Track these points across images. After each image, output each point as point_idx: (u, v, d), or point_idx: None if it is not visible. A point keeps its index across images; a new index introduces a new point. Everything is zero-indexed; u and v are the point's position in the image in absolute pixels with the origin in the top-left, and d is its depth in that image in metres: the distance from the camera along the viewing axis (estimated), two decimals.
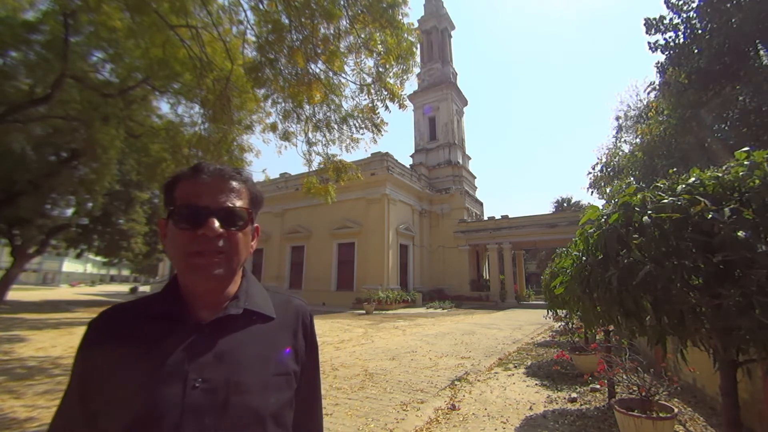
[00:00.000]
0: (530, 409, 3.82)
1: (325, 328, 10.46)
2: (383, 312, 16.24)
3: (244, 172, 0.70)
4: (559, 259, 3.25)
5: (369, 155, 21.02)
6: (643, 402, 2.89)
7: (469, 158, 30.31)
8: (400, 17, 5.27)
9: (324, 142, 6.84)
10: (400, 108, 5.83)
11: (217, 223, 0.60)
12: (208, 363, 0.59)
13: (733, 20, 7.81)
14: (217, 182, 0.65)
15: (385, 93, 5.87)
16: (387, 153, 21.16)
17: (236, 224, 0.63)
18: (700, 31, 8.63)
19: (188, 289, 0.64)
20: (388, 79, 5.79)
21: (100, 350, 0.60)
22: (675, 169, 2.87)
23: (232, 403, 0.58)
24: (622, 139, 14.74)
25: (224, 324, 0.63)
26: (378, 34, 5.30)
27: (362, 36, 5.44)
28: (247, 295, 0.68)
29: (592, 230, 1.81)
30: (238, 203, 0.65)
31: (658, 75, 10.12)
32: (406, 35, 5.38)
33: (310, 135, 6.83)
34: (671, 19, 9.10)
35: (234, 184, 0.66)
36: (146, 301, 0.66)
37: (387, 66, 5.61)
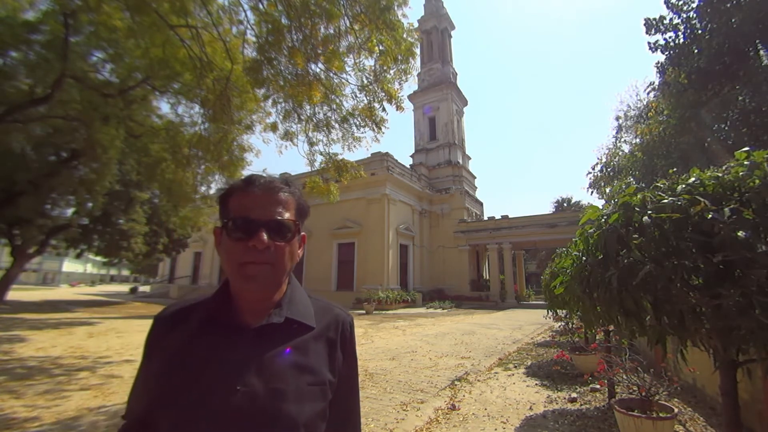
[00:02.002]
0: (530, 409, 3.82)
1: None
2: (383, 312, 16.24)
3: (292, 184, 0.74)
4: (559, 259, 3.25)
5: (369, 155, 21.01)
6: (643, 402, 2.89)
7: (469, 158, 30.32)
8: (400, 17, 5.27)
9: (325, 142, 6.85)
10: (397, 110, 5.83)
11: (265, 235, 0.64)
12: (249, 369, 0.62)
13: (733, 20, 7.81)
14: (267, 195, 0.68)
15: (383, 95, 5.88)
16: (387, 153, 21.17)
17: (284, 235, 0.67)
18: (699, 31, 8.63)
19: (238, 295, 0.67)
20: (386, 81, 5.79)
21: (163, 342, 0.67)
22: (675, 169, 2.87)
23: (270, 410, 0.60)
24: (622, 139, 14.74)
25: (267, 331, 0.66)
26: (376, 36, 5.30)
27: (361, 37, 5.44)
28: (290, 303, 0.71)
29: (592, 230, 1.81)
30: (286, 215, 0.68)
31: (658, 75, 10.12)
32: (405, 35, 5.38)
33: (310, 135, 6.84)
34: (671, 20, 9.10)
35: (282, 196, 0.69)
36: (197, 304, 0.70)
37: (385, 67, 5.61)
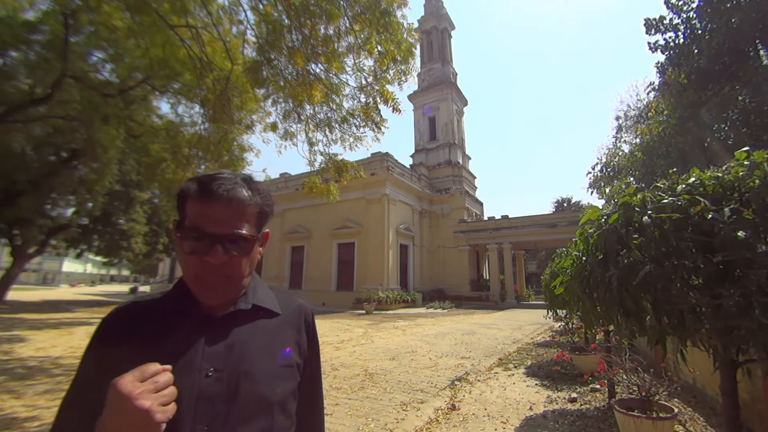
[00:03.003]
0: (530, 409, 3.82)
1: (325, 328, 10.45)
2: (383, 312, 16.24)
3: (255, 186, 0.69)
4: (559, 259, 3.25)
5: (369, 155, 21.00)
6: (643, 402, 2.89)
7: (469, 158, 30.32)
8: (399, 18, 5.27)
9: (325, 142, 6.85)
10: (394, 111, 5.82)
11: (221, 251, 0.62)
12: (219, 353, 0.62)
13: (733, 20, 7.81)
14: (224, 208, 0.63)
15: (380, 99, 5.88)
16: (387, 153, 21.16)
17: (241, 249, 0.64)
18: (699, 32, 8.63)
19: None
20: (385, 83, 5.79)
21: (113, 345, 0.62)
22: (675, 169, 2.87)
23: (242, 391, 0.61)
24: (622, 139, 14.74)
25: (234, 318, 0.67)
26: (375, 38, 5.30)
27: (361, 37, 5.44)
28: (255, 292, 0.72)
29: (592, 230, 1.81)
30: (245, 228, 0.65)
31: (658, 75, 10.12)
32: (405, 35, 5.37)
33: (310, 135, 6.83)
34: (671, 20, 9.10)
35: (241, 206, 0.65)
36: (158, 297, 0.69)
37: (383, 68, 5.61)
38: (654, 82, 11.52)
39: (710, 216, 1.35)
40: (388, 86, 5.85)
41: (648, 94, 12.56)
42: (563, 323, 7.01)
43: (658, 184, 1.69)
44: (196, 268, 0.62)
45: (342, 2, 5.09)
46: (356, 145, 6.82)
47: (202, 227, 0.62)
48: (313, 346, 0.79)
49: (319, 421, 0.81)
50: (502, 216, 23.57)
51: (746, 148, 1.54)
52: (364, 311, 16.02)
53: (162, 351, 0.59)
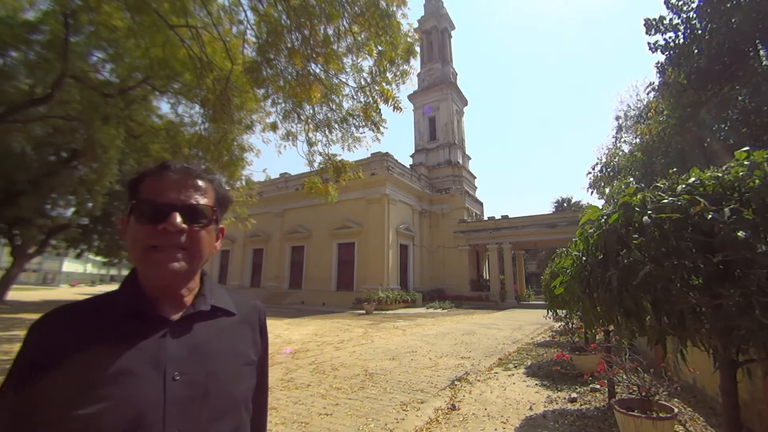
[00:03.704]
0: (530, 409, 3.82)
1: (325, 328, 10.45)
2: (383, 312, 16.23)
3: (213, 173, 0.71)
4: (559, 259, 3.25)
5: (369, 155, 21.03)
6: (643, 402, 2.89)
7: (469, 158, 30.33)
8: (399, 18, 5.27)
9: (325, 142, 6.85)
10: (395, 110, 5.83)
11: (179, 218, 0.61)
12: (183, 356, 0.61)
13: (733, 20, 7.82)
14: (182, 179, 0.65)
15: (380, 99, 5.89)
16: (387, 153, 21.17)
17: (199, 221, 0.64)
18: (699, 32, 8.64)
19: (150, 285, 0.64)
20: (384, 83, 5.79)
21: (55, 358, 0.55)
22: (675, 169, 2.87)
23: (212, 392, 0.61)
24: (622, 139, 14.76)
25: (195, 319, 0.66)
26: (375, 39, 5.30)
27: (361, 38, 5.44)
28: (212, 293, 0.71)
29: (592, 230, 1.81)
30: (203, 201, 0.66)
31: (658, 75, 10.13)
32: (404, 38, 5.38)
33: (310, 135, 6.84)
34: (671, 20, 9.11)
35: (200, 182, 0.67)
36: (103, 299, 0.64)
37: (382, 69, 5.61)
38: (654, 82, 11.54)
39: (710, 216, 1.35)
40: (387, 86, 5.85)
41: (648, 94, 12.57)
42: (563, 323, 7.01)
43: (658, 184, 1.69)
44: (149, 239, 0.60)
45: (341, 2, 5.09)
46: (355, 146, 6.84)
47: (160, 197, 0.62)
48: (265, 345, 0.80)
49: (265, 415, 0.84)
50: (502, 216, 23.57)
51: (746, 148, 1.54)
52: (364, 311, 16.02)
53: (121, 359, 0.56)
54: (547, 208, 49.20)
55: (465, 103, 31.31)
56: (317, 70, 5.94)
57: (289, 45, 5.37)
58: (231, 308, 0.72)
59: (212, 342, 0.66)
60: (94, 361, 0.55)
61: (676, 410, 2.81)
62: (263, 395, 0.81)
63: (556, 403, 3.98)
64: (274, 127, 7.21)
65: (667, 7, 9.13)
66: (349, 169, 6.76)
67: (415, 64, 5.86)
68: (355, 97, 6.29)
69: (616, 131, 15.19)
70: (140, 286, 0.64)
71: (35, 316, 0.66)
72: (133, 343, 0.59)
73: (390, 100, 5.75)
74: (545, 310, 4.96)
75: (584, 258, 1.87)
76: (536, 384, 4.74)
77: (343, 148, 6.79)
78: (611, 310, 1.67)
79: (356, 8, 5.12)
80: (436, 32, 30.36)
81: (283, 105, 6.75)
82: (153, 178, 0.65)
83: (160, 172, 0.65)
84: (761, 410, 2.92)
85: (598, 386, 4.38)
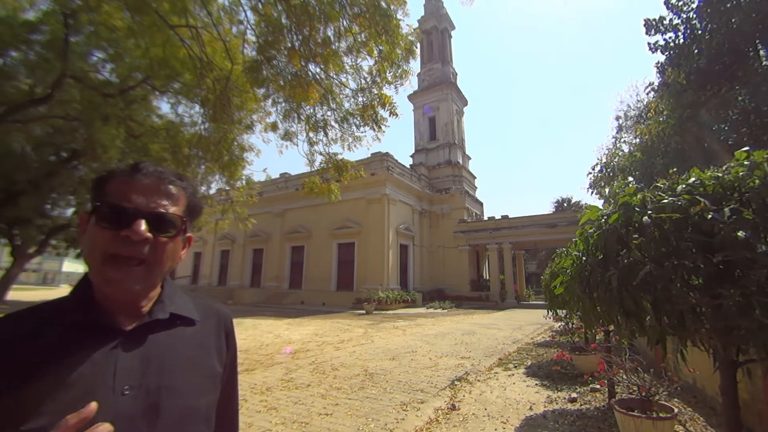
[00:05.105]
0: (530, 409, 3.82)
1: (325, 328, 10.45)
2: (383, 312, 16.23)
3: (187, 179, 0.67)
4: (559, 259, 3.25)
5: (369, 155, 21.03)
6: (643, 402, 2.90)
7: (469, 158, 30.33)
8: (399, 18, 5.27)
9: (325, 142, 6.85)
10: (391, 115, 5.84)
11: (144, 226, 0.57)
12: (134, 369, 0.57)
13: (733, 20, 7.82)
14: (153, 184, 0.61)
15: (377, 103, 5.90)
16: (387, 153, 21.17)
17: (166, 231, 0.60)
18: (699, 32, 8.64)
19: (103, 297, 0.59)
20: (384, 83, 5.80)
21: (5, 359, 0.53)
22: (675, 169, 2.87)
23: (164, 407, 0.57)
24: (622, 140, 14.78)
25: (151, 328, 0.61)
26: (375, 40, 5.31)
27: (360, 38, 5.45)
28: (172, 299, 0.66)
29: (592, 230, 1.81)
30: (173, 209, 0.62)
31: (658, 75, 10.14)
32: (404, 37, 5.38)
33: (310, 134, 6.83)
34: (671, 20, 9.12)
35: (172, 189, 0.63)
36: (52, 306, 0.60)
37: (382, 70, 5.62)
38: (654, 83, 11.56)
39: (710, 216, 1.35)
40: (387, 87, 5.86)
41: (648, 94, 12.58)
42: (563, 323, 7.02)
43: (658, 184, 1.69)
44: (108, 245, 0.56)
45: (341, 3, 5.09)
46: (356, 145, 6.82)
47: (126, 201, 0.58)
48: (232, 351, 0.75)
49: (235, 428, 0.78)
50: (502, 216, 23.57)
51: (746, 148, 1.54)
52: (364, 311, 16.01)
53: (67, 372, 0.52)
54: (547, 208, 49.23)
55: (465, 103, 31.31)
56: (317, 70, 5.95)
57: (289, 45, 5.37)
58: (192, 315, 0.67)
59: (169, 353, 0.61)
60: (38, 375, 0.52)
61: (676, 410, 2.81)
62: (232, 407, 0.76)
63: (556, 403, 3.98)
64: (274, 127, 7.21)
65: (667, 8, 9.14)
66: (351, 168, 6.76)
67: (415, 64, 5.87)
68: (355, 97, 6.30)
69: (616, 131, 15.24)
70: (93, 293, 0.60)
71: None
72: (82, 355, 0.54)
73: (387, 105, 5.76)
74: (545, 310, 4.96)
75: (584, 258, 1.87)
76: (536, 384, 4.74)
77: (343, 147, 6.78)
78: (611, 310, 1.67)
79: (356, 8, 5.12)
80: (436, 32, 30.36)
81: (283, 105, 6.75)
82: (121, 179, 0.60)
83: (130, 174, 0.61)
84: (761, 410, 2.93)
85: (598, 386, 4.38)
